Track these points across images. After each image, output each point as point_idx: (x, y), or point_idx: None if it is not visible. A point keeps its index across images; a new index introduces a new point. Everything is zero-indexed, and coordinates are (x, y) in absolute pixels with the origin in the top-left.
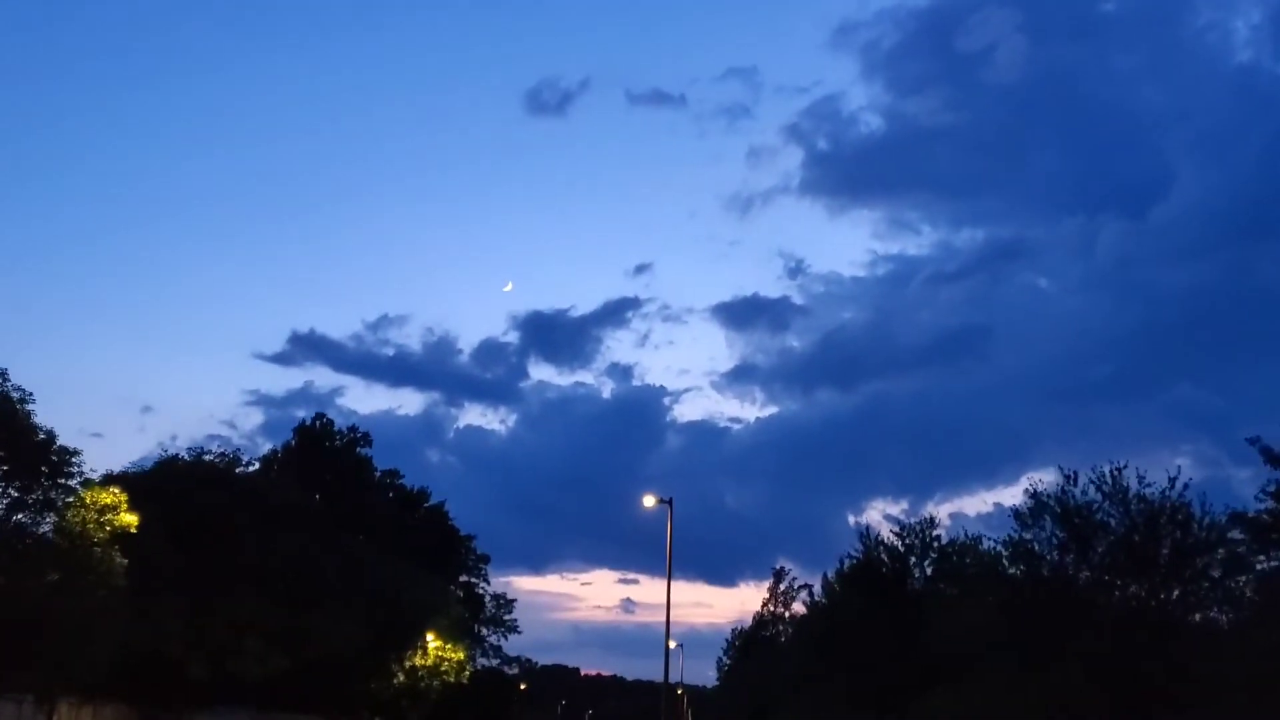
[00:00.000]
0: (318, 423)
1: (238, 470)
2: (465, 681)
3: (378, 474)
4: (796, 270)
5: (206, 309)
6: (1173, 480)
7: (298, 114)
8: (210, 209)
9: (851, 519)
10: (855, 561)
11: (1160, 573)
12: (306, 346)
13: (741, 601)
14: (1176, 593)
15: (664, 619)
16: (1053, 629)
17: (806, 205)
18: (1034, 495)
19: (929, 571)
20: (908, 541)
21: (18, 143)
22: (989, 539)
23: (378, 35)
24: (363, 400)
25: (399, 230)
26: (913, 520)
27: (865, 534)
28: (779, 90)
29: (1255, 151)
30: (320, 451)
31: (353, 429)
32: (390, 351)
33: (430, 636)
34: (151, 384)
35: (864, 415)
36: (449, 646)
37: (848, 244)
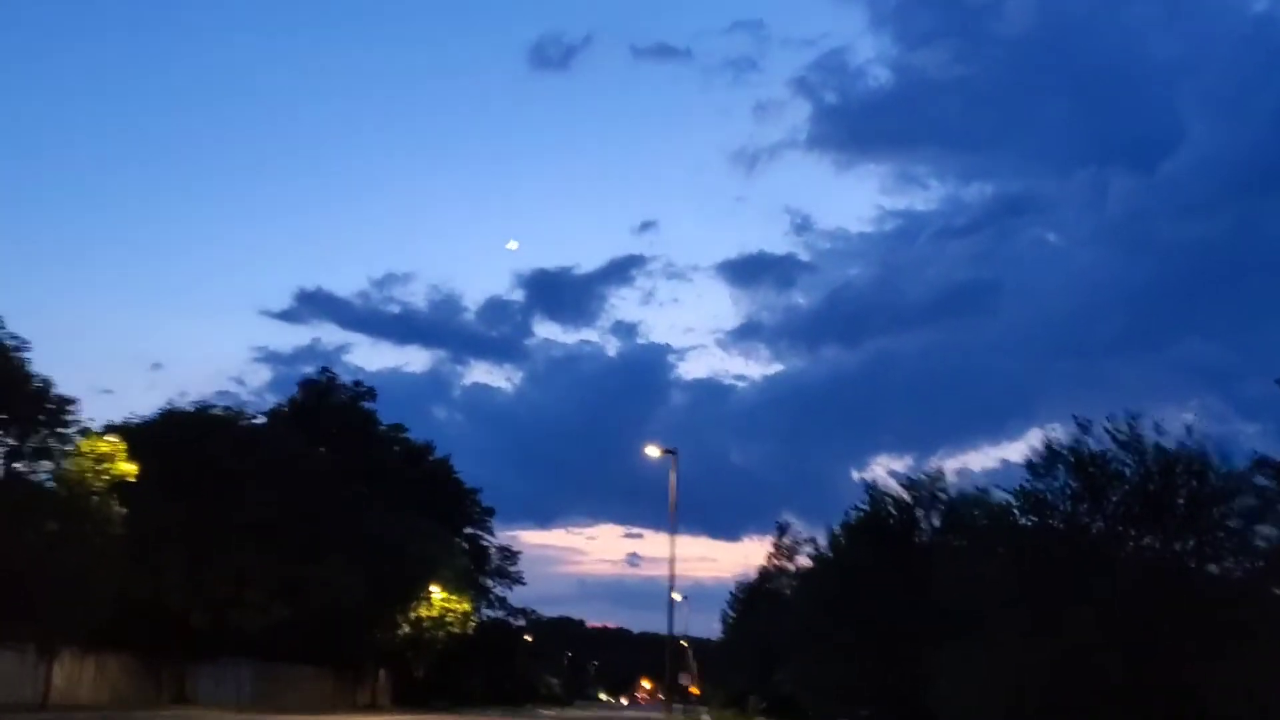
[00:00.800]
0: (323, 377)
1: (241, 423)
2: (470, 632)
3: (382, 428)
4: (803, 226)
5: (214, 266)
6: (1189, 429)
7: (303, 72)
8: (216, 166)
9: (856, 475)
10: (862, 514)
11: (1176, 522)
12: (313, 304)
13: (745, 556)
14: (1192, 543)
15: (668, 573)
16: (1066, 579)
17: (814, 160)
18: (1047, 445)
19: (936, 524)
20: (915, 493)
21: (18, 105)
22: (999, 489)
23: None
24: (369, 357)
25: (403, 187)
26: (919, 475)
27: (872, 486)
28: (786, 43)
29: (1269, 105)
30: (325, 406)
31: (357, 384)
32: (396, 309)
33: (435, 588)
34: (161, 341)
35: (869, 372)
36: (454, 598)
37: (855, 199)
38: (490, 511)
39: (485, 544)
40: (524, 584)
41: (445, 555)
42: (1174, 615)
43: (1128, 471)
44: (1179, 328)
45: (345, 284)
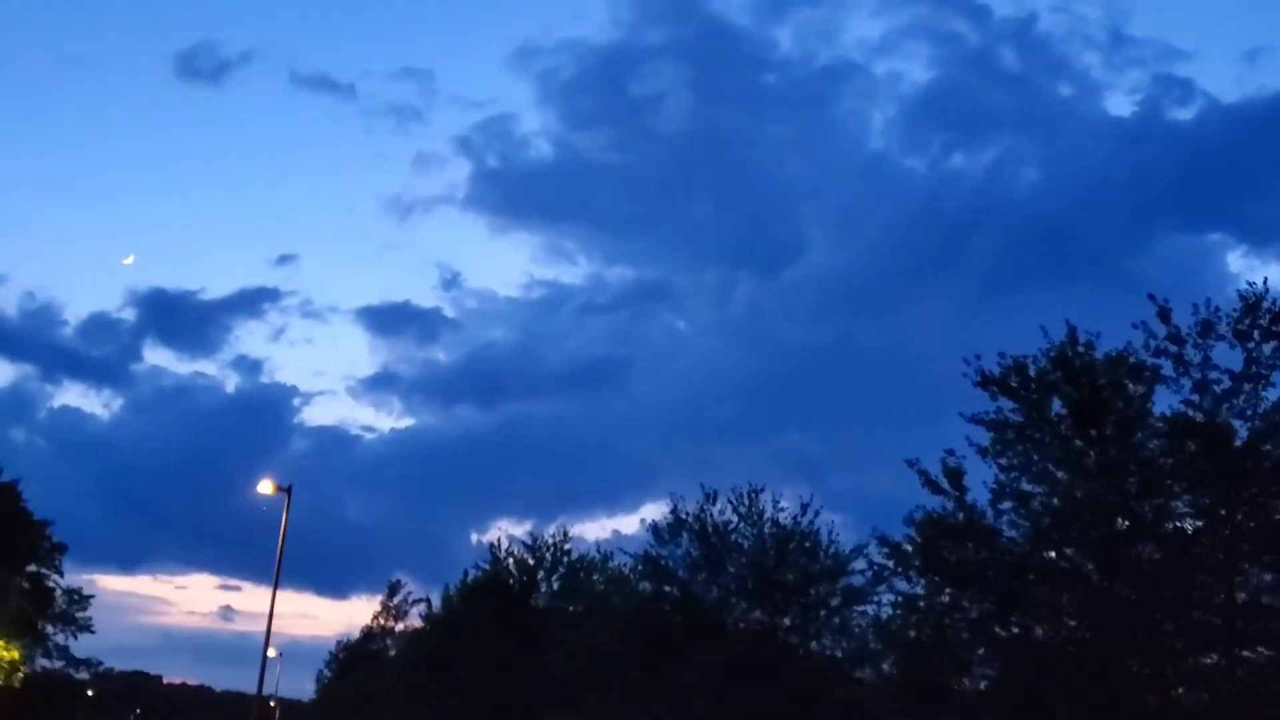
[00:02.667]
0: None
1: None
2: (18, 685)
3: None
4: (452, 283)
5: None
6: (805, 506)
7: None
8: None
9: (475, 537)
10: (481, 574)
11: (784, 598)
12: None
13: (351, 615)
14: (797, 620)
15: (265, 629)
16: (679, 647)
17: (469, 220)
18: (674, 511)
19: (556, 587)
20: (537, 555)
21: None
22: (623, 553)
23: None
24: None
25: (8, 177)
26: (542, 538)
27: (495, 546)
28: (454, 100)
29: (874, 232)
30: None
31: None
32: None
33: None
34: None
35: (500, 435)
36: (1, 644)
37: (506, 264)
38: (61, 548)
39: (52, 585)
40: (93, 632)
41: None
42: (781, 688)
43: (746, 544)
44: (781, 421)
45: None
